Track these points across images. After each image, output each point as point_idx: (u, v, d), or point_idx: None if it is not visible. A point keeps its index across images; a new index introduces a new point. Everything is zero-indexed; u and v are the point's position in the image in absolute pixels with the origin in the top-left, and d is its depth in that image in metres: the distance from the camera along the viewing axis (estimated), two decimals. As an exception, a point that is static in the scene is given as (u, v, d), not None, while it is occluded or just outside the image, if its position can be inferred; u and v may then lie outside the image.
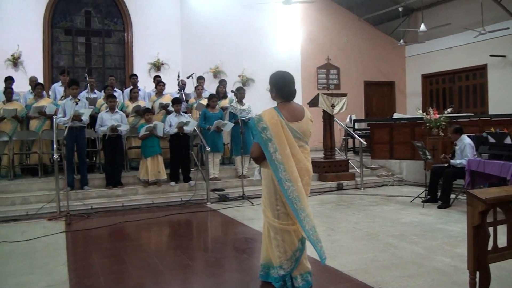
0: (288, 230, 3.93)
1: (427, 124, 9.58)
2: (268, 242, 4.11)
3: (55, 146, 8.29)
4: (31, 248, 5.92)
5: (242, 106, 10.07)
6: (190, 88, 11.51)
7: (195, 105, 10.83)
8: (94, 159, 10.49)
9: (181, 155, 9.48)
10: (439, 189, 8.25)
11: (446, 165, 8.20)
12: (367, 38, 17.38)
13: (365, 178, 10.59)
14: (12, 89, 9.82)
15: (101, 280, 4.58)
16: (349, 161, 11.14)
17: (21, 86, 11.13)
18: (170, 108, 9.95)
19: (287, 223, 3.92)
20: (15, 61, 13.35)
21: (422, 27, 14.19)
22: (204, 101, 10.48)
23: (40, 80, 11.66)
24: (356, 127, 13.69)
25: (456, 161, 7.94)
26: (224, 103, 10.79)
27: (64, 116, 8.74)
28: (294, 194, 3.82)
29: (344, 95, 10.98)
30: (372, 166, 11.57)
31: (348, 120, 14.44)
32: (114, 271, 4.92)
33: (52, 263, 5.20)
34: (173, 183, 9.42)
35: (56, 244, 6.06)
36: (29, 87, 10.56)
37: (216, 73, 15.07)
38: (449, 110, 9.82)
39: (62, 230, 6.82)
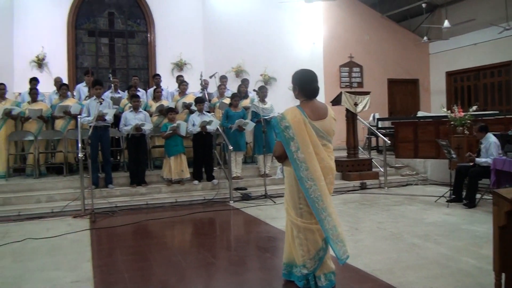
0: (312, 229, 3.90)
1: (452, 122, 9.49)
2: (291, 241, 4.09)
3: (80, 145, 8.40)
4: (57, 244, 6.00)
5: (265, 105, 10.06)
6: (212, 88, 11.55)
7: (217, 104, 10.87)
8: (118, 158, 10.60)
9: (204, 154, 9.52)
10: (464, 188, 8.11)
11: (471, 164, 8.06)
12: (390, 35, 17.25)
13: (389, 177, 10.49)
14: (37, 89, 9.97)
15: (125, 277, 4.62)
16: (372, 160, 11.06)
17: (46, 87, 11.29)
18: (193, 107, 9.99)
19: (310, 221, 3.90)
20: (40, 63, 13.55)
21: (446, 23, 14.05)
22: (227, 100, 10.52)
23: (65, 81, 11.82)
24: (379, 125, 13.61)
25: (481, 160, 7.81)
26: (245, 102, 10.80)
27: (89, 115, 8.83)
28: (316, 193, 3.80)
29: (367, 93, 10.88)
30: (396, 165, 11.46)
31: (371, 118, 14.35)
32: (138, 268, 4.96)
33: (77, 260, 5.27)
34: (196, 181, 9.46)
35: (81, 241, 6.13)
36: (54, 88, 10.69)
37: (238, 72, 15.11)
38: (474, 108, 9.71)
39: (86, 228, 6.90)
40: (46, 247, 5.89)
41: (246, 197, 9.01)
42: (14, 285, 4.48)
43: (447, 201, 8.05)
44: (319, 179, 3.81)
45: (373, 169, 10.80)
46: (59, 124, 9.81)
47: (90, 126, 8.36)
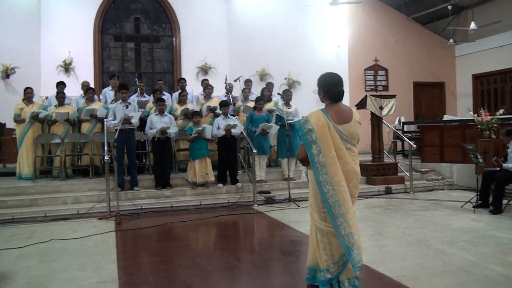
0: (335, 233, 3.88)
1: (479, 126, 9.35)
2: (315, 245, 4.05)
3: (106, 148, 8.49)
4: (82, 245, 6.08)
5: (289, 108, 10.05)
6: (237, 91, 11.59)
7: (242, 107, 10.89)
8: (143, 160, 10.69)
9: (228, 157, 9.55)
10: (491, 194, 7.96)
11: (498, 169, 7.92)
12: (416, 38, 17.13)
13: (415, 182, 10.36)
14: (64, 93, 10.11)
15: (149, 278, 4.66)
16: (398, 164, 10.95)
17: (73, 91, 11.48)
18: (218, 111, 10.03)
19: None
20: (67, 67, 13.81)
21: (472, 25, 13.88)
22: (251, 104, 10.53)
23: (91, 85, 11.98)
24: (405, 129, 13.49)
25: (508, 165, 7.69)
26: (269, 106, 10.79)
27: (115, 119, 8.93)
28: (333, 198, 3.73)
29: (392, 96, 10.79)
30: (422, 169, 11.33)
31: (397, 122, 14.23)
32: (162, 270, 5.00)
33: (102, 261, 5.33)
34: (220, 185, 9.49)
35: (106, 243, 6.21)
36: (81, 92, 10.83)
37: (262, 76, 15.15)
38: (501, 111, 9.57)
39: (112, 229, 6.98)
40: (72, 248, 5.98)
41: (270, 201, 9.01)
42: (40, 285, 4.55)
43: (473, 207, 7.92)
44: (338, 184, 3.75)
45: (399, 174, 10.69)
46: (85, 127, 9.93)
47: (116, 129, 8.46)
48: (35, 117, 9.54)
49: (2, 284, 4.60)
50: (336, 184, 3.73)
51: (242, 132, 9.59)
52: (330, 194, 3.73)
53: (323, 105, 4.07)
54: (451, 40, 15.89)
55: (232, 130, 9.33)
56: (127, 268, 5.05)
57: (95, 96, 10.51)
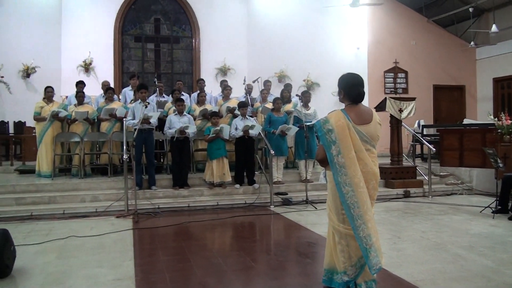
0: (354, 236, 3.85)
1: (499, 130, 9.23)
2: (332, 247, 4.02)
3: (124, 147, 8.54)
4: (100, 243, 6.12)
5: (307, 110, 10.02)
6: (256, 93, 11.59)
7: (260, 108, 10.90)
8: (162, 160, 10.77)
9: (246, 158, 9.56)
10: (511, 199, 7.86)
11: (518, 173, 7.83)
12: (436, 40, 16.99)
13: (433, 186, 10.26)
14: (83, 92, 10.22)
15: (165, 277, 4.68)
16: (417, 168, 10.85)
17: (93, 91, 11.59)
18: (237, 111, 10.05)
19: None
20: (87, 67, 13.97)
21: (494, 28, 13.73)
22: (269, 105, 10.53)
23: (111, 85, 12.08)
24: (424, 132, 13.37)
25: (529, 170, 7.58)
26: (288, 107, 10.77)
27: (134, 118, 8.99)
28: (352, 199, 3.71)
29: (412, 99, 10.67)
30: (441, 173, 11.21)
31: (416, 125, 14.10)
32: (178, 268, 5.01)
33: (119, 258, 5.36)
34: (237, 185, 9.50)
35: (124, 241, 6.24)
36: (101, 91, 10.94)
37: (281, 78, 15.15)
38: (522, 116, 9.43)
39: (129, 228, 7.02)
40: (89, 245, 6.02)
41: (286, 202, 8.99)
42: (58, 281, 4.59)
43: (492, 212, 7.78)
44: (357, 185, 3.73)
45: (417, 177, 10.59)
46: (104, 126, 10.02)
47: (135, 129, 8.51)
48: (55, 116, 9.64)
49: (20, 279, 4.65)
50: (355, 185, 3.71)
51: (259, 133, 9.59)
52: (349, 195, 3.71)
53: (342, 107, 4.06)
54: (472, 43, 15.74)
55: (250, 131, 9.33)
56: (143, 266, 5.07)
57: (115, 96, 10.59)
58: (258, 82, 11.04)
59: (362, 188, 3.74)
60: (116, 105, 10.07)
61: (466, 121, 13.38)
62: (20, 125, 13.36)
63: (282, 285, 4.53)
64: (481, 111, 16.94)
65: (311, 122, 9.58)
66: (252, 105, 10.91)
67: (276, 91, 12.31)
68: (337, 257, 3.93)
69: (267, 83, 11.46)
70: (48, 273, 4.84)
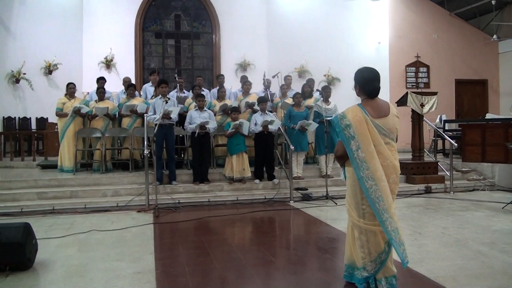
0: (374, 231, 3.83)
1: (523, 125, 9.08)
2: (352, 243, 4.03)
3: (145, 142, 8.58)
4: (120, 237, 6.17)
5: (328, 105, 9.95)
6: (275, 88, 11.56)
7: (279, 104, 10.86)
8: (182, 155, 10.80)
9: (265, 153, 9.53)
10: (534, 194, 7.74)
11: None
12: (458, 34, 16.80)
13: (455, 181, 10.13)
14: (104, 88, 10.31)
15: (186, 270, 4.69)
16: (438, 163, 10.73)
17: (114, 87, 11.67)
18: (256, 107, 10.03)
19: (373, 223, 3.83)
20: (108, 64, 14.10)
21: (517, 20, 13.50)
22: (289, 100, 10.50)
23: (132, 81, 12.16)
24: (446, 127, 13.20)
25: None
26: (309, 102, 10.73)
27: (155, 114, 9.03)
28: (377, 193, 3.71)
29: (434, 93, 10.55)
30: (463, 169, 11.07)
31: (438, 120, 13.92)
32: (198, 262, 5.02)
33: (140, 252, 5.40)
34: (257, 181, 9.48)
35: (144, 235, 6.28)
36: (122, 87, 11.01)
37: (301, 73, 15.12)
38: (546, 110, 9.26)
39: (150, 222, 7.06)
40: (110, 239, 6.07)
41: (306, 198, 8.95)
42: (79, 273, 4.63)
43: (515, 208, 7.69)
44: (380, 179, 3.73)
45: (439, 173, 10.46)
46: (125, 122, 10.10)
47: (156, 124, 8.55)
48: (77, 112, 9.73)
49: (42, 272, 4.71)
50: (378, 179, 3.72)
51: (279, 128, 9.55)
52: (373, 189, 3.72)
53: (360, 100, 4.05)
54: (494, 36, 15.51)
55: (269, 126, 9.31)
56: (164, 260, 5.09)
57: (136, 92, 10.64)
58: (278, 77, 11.01)
59: (384, 182, 3.75)
60: (137, 101, 10.12)
61: (488, 115, 13.18)
62: (42, 121, 13.56)
63: (302, 280, 4.51)
64: (503, 105, 16.71)
65: (331, 116, 9.52)
66: (272, 101, 10.88)
67: (296, 86, 12.26)
68: (356, 253, 3.95)
69: (287, 78, 11.42)
70: (69, 266, 4.89)
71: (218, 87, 11.10)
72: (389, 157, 3.84)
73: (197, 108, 9.43)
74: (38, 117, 13.65)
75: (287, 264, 5.04)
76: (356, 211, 3.91)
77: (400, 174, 4.08)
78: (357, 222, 3.89)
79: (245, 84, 10.99)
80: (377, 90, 3.96)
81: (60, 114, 9.92)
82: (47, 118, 13.43)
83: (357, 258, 3.94)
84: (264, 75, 11.18)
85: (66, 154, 9.82)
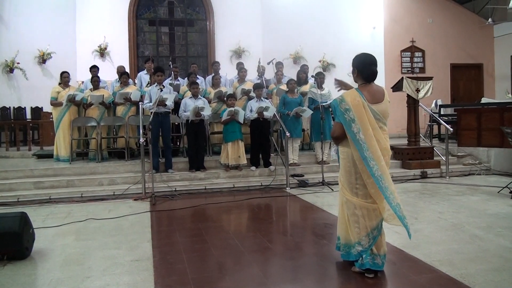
0: (367, 207, 4.04)
1: (518, 109, 9.11)
2: (346, 221, 4.20)
3: (141, 130, 8.56)
4: (118, 225, 6.19)
5: (322, 91, 9.95)
6: (270, 74, 11.54)
7: (274, 90, 10.85)
8: (178, 143, 10.81)
9: (261, 140, 9.54)
10: (530, 178, 7.77)
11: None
12: (453, 18, 16.77)
13: (451, 166, 10.18)
14: (98, 77, 10.28)
15: (183, 258, 4.71)
16: (434, 148, 10.75)
17: (108, 75, 11.63)
18: (252, 94, 10.01)
19: (367, 201, 4.03)
20: (102, 52, 14.01)
21: (512, 3, 13.46)
22: (284, 87, 10.49)
23: (126, 69, 12.11)
24: (442, 112, 13.21)
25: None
26: (305, 88, 10.72)
27: (150, 102, 9.02)
28: (378, 172, 3.88)
29: (429, 78, 10.54)
30: (458, 154, 11.10)
31: (433, 105, 13.93)
32: (196, 249, 5.05)
33: (137, 240, 5.42)
34: (253, 167, 9.50)
35: (141, 223, 6.31)
36: (117, 76, 10.97)
37: (296, 59, 15.08)
38: (541, 93, 9.28)
39: (147, 210, 7.09)
40: (107, 227, 6.10)
41: (303, 184, 8.98)
42: (76, 262, 4.65)
43: (510, 192, 7.69)
44: (379, 159, 3.91)
45: (435, 158, 10.49)
46: (120, 110, 10.09)
47: (151, 112, 8.54)
48: (72, 100, 9.70)
49: (40, 260, 4.72)
50: (377, 159, 3.92)
51: (275, 115, 9.55)
52: (375, 168, 3.90)
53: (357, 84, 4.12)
54: (489, 20, 15.48)
55: (265, 113, 9.31)
56: (161, 247, 5.12)
57: (130, 80, 10.61)
58: (272, 63, 10.98)
59: (383, 162, 3.95)
60: (131, 89, 10.09)
61: (484, 100, 13.19)
62: (37, 111, 13.52)
63: (299, 265, 4.54)
64: (499, 89, 16.73)
65: (326, 102, 9.52)
66: (267, 87, 10.86)
67: (291, 72, 12.23)
68: (351, 229, 4.14)
69: (278, 65, 11.35)
70: (67, 254, 4.91)
71: (213, 74, 11.07)
72: (382, 140, 4.03)
73: (191, 96, 9.41)
74: (33, 106, 13.61)
75: (284, 250, 5.07)
76: (350, 189, 4.11)
77: (396, 159, 4.22)
78: (351, 198, 4.08)
79: (241, 71, 10.97)
80: (374, 74, 4.11)
81: (55, 103, 9.90)
82: (42, 107, 13.40)
83: (352, 234, 4.12)
84: (259, 62, 11.15)
85: (62, 143, 9.81)
